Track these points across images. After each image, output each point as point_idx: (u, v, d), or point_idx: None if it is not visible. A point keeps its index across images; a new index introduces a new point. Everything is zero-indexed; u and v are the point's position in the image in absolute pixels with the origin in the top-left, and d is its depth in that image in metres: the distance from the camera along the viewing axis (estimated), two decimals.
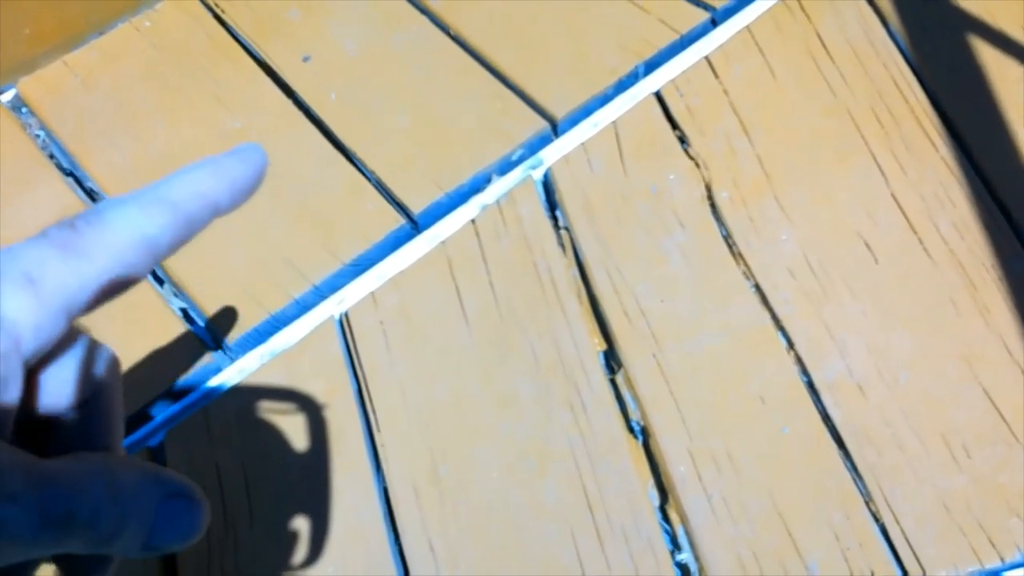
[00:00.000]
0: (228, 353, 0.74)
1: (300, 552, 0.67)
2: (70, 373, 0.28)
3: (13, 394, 0.24)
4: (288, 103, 0.84)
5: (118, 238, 0.26)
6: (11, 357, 0.24)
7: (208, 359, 0.73)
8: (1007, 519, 0.61)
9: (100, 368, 0.29)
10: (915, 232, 0.71)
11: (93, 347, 0.30)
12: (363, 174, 0.80)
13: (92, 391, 0.29)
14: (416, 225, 0.78)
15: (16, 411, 0.25)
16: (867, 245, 0.72)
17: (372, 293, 0.75)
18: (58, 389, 0.28)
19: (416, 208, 0.78)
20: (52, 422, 0.28)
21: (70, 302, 0.25)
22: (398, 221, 0.77)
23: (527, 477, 0.67)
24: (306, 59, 0.86)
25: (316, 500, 0.68)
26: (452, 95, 0.83)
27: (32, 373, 0.27)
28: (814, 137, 0.77)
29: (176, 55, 0.89)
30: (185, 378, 0.73)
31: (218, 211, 0.28)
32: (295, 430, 0.71)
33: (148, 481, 0.26)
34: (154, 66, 0.89)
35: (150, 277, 0.78)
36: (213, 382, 0.73)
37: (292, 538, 0.67)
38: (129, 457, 0.27)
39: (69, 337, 0.28)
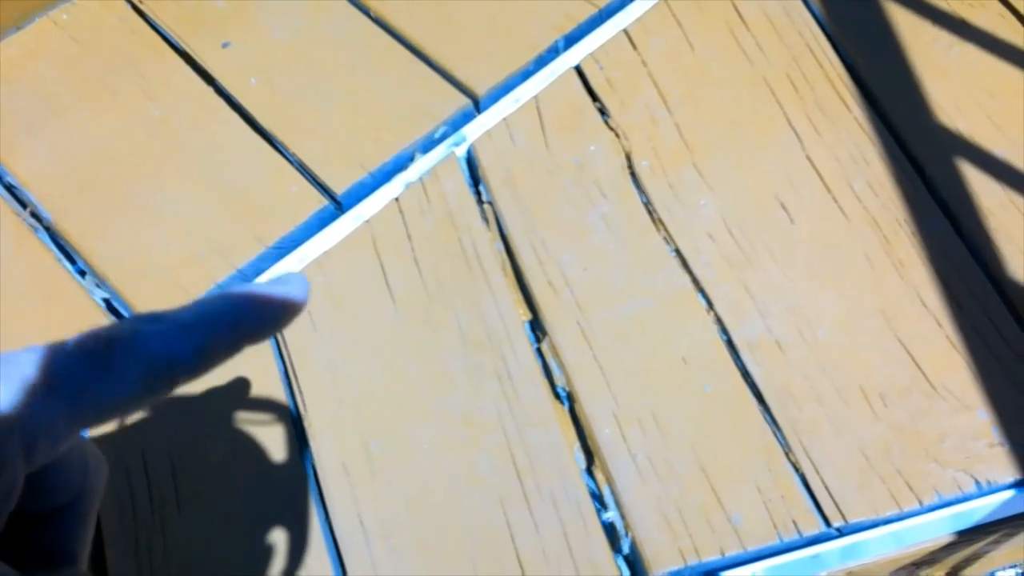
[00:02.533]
0: None
1: (229, 534, 0.66)
2: (63, 477, 0.28)
3: (11, 498, 0.24)
4: (208, 90, 0.84)
5: (147, 362, 0.25)
6: (18, 463, 0.23)
7: None
8: (925, 464, 0.62)
9: (89, 473, 0.29)
10: (830, 192, 0.73)
11: (88, 451, 0.29)
12: (285, 157, 0.80)
13: (76, 494, 0.29)
14: (340, 205, 0.78)
15: (7, 513, 0.25)
16: (784, 207, 0.73)
17: None
18: (48, 491, 0.28)
19: (339, 189, 0.78)
20: (35, 520, 0.28)
21: (87, 415, 0.25)
22: (321, 202, 0.77)
23: (459, 449, 0.67)
24: (225, 45, 0.86)
25: (244, 483, 0.68)
26: (374, 76, 0.83)
27: (42, 471, 0.27)
28: (732, 105, 0.78)
29: (95, 47, 0.88)
30: None
31: (252, 343, 0.28)
32: (221, 415, 0.70)
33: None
34: (74, 59, 0.88)
35: (70, 267, 0.77)
36: None
37: (221, 521, 0.67)
38: None
39: (71, 445, 0.28)
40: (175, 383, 0.26)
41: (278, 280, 0.29)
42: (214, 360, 0.26)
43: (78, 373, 0.24)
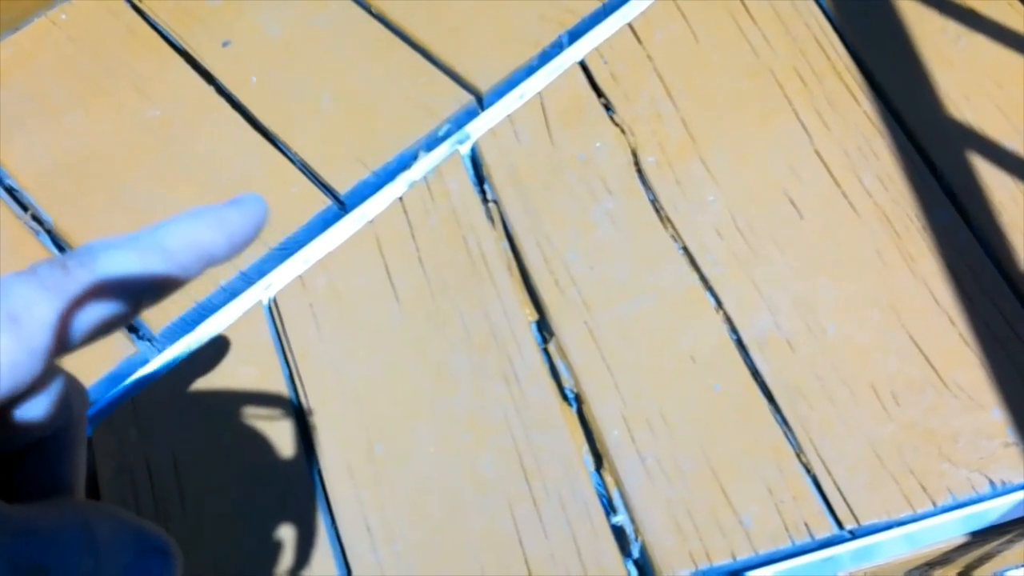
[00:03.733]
0: (155, 343, 0.73)
1: (232, 534, 0.66)
2: (41, 410, 0.27)
3: None
4: (209, 89, 0.83)
5: (109, 283, 0.25)
6: None
7: (134, 350, 0.72)
8: (938, 464, 0.61)
9: (70, 404, 0.29)
10: (839, 186, 0.72)
11: (65, 382, 0.29)
12: (287, 157, 0.79)
13: (60, 427, 0.28)
14: (343, 206, 0.77)
15: None
16: (792, 202, 0.72)
17: (300, 276, 0.74)
18: (28, 425, 0.27)
19: (342, 188, 0.77)
20: (17, 456, 0.27)
21: (52, 343, 0.24)
22: (324, 202, 0.76)
23: (464, 450, 0.67)
24: (226, 44, 0.85)
25: (248, 486, 0.67)
26: (376, 73, 0.82)
27: (3, 409, 0.26)
28: (738, 98, 0.77)
29: (94, 47, 0.87)
30: (112, 370, 0.71)
31: (212, 262, 0.27)
32: (226, 418, 0.70)
33: (124, 535, 0.25)
34: (71, 59, 0.87)
35: None
36: (140, 373, 0.72)
37: (224, 521, 0.66)
38: (106, 506, 0.26)
39: (45, 373, 0.27)
40: (139, 308, 0.26)
41: (237, 201, 0.28)
42: (176, 283, 0.26)
43: (39, 303, 0.23)
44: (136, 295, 0.25)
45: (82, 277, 0.24)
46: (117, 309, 0.25)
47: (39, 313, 0.23)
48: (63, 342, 0.24)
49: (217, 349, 0.72)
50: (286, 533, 0.66)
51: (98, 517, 0.24)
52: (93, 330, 0.25)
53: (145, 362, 0.72)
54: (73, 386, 0.29)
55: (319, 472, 0.67)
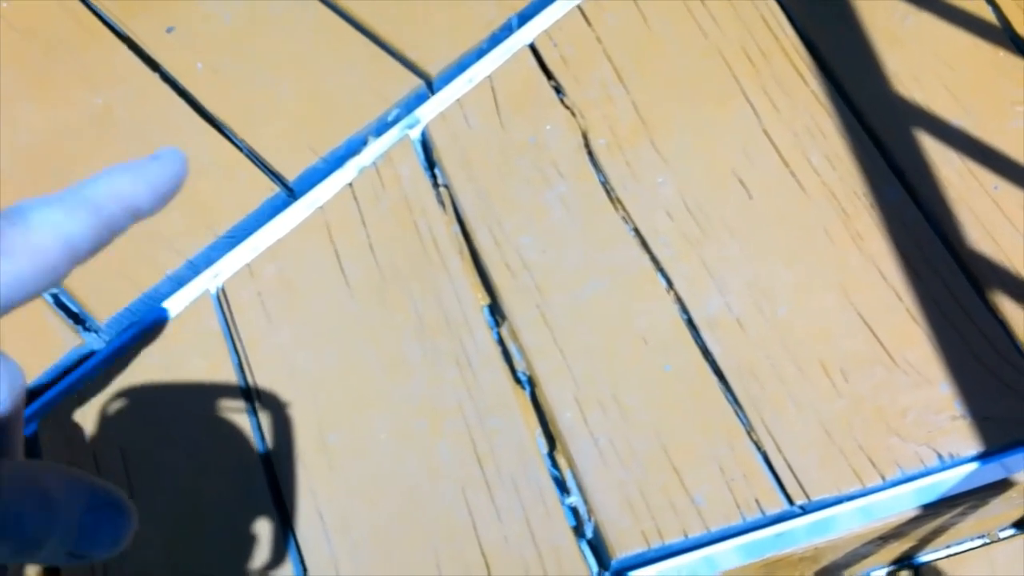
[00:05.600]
0: (100, 335, 0.71)
1: (185, 532, 0.65)
2: None
3: None
4: (153, 76, 0.82)
5: (40, 239, 0.24)
6: None
7: (80, 341, 0.71)
8: (887, 439, 0.62)
9: (3, 380, 0.28)
10: (788, 167, 0.72)
11: None
12: (234, 144, 0.78)
13: None
14: (292, 192, 0.76)
15: None
16: (742, 183, 0.72)
17: (248, 265, 0.73)
18: None
19: (291, 175, 0.76)
20: None
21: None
22: (272, 189, 0.75)
23: (417, 437, 0.66)
24: (170, 30, 0.83)
25: (199, 478, 0.66)
26: (324, 58, 0.81)
27: None
28: (688, 80, 0.77)
29: (37, 36, 0.86)
30: (56, 362, 0.70)
31: (138, 214, 0.27)
32: (175, 410, 0.69)
33: (75, 488, 0.24)
34: (15, 49, 0.86)
35: None
36: (86, 366, 0.70)
37: (176, 519, 0.65)
38: (54, 463, 0.26)
39: None
40: (73, 260, 0.25)
41: (156, 155, 0.29)
42: (106, 236, 0.26)
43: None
44: (68, 250, 0.25)
45: (13, 235, 0.24)
46: (51, 266, 0.25)
47: None
48: None
49: (165, 340, 0.71)
50: (238, 526, 0.65)
51: (48, 473, 0.24)
52: (26, 291, 0.25)
53: (91, 353, 0.71)
54: (4, 361, 0.29)
55: (270, 464, 0.66)
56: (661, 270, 0.69)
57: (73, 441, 0.68)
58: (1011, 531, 0.74)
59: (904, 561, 0.74)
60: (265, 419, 0.68)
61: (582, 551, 0.62)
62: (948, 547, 0.74)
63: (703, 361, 0.65)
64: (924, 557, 0.74)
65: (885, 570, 0.74)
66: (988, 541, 0.74)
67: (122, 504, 0.26)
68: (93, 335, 0.71)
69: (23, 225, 0.24)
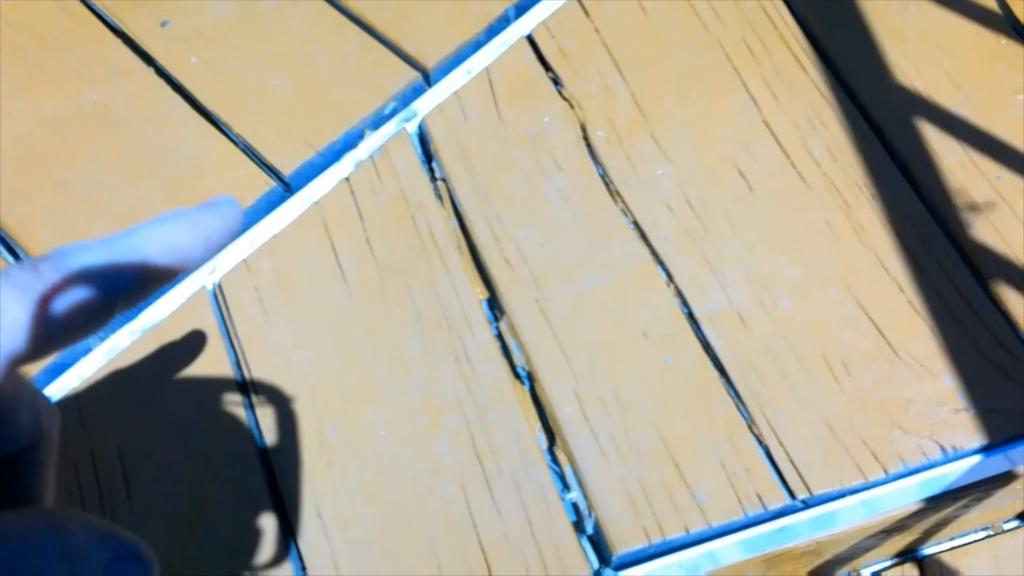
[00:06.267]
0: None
1: (183, 530, 0.64)
2: (8, 424, 0.27)
3: None
4: (148, 71, 0.81)
5: (82, 288, 0.24)
6: None
7: None
8: (889, 432, 0.61)
9: (39, 418, 0.28)
10: (789, 158, 0.71)
11: (36, 396, 0.28)
12: (230, 138, 0.77)
13: (31, 441, 0.28)
14: (288, 187, 0.75)
15: None
16: (742, 175, 0.71)
17: (245, 260, 0.73)
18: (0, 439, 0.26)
19: (287, 169, 0.75)
20: None
21: (23, 348, 0.23)
22: (269, 184, 0.75)
23: (416, 433, 0.66)
24: (164, 24, 0.82)
25: (196, 475, 0.66)
26: (320, 51, 0.81)
27: None
28: (687, 71, 0.76)
29: (32, 31, 0.85)
30: (54, 360, 0.70)
31: (188, 267, 0.26)
32: (171, 407, 0.68)
33: (97, 540, 0.24)
34: (10, 44, 0.85)
35: (10, 259, 0.74)
36: (82, 363, 0.70)
37: (174, 517, 0.65)
38: (77, 512, 0.25)
39: (15, 382, 0.26)
40: (113, 312, 0.25)
41: (213, 204, 0.28)
42: (150, 286, 0.26)
43: (9, 307, 0.23)
44: (108, 293, 0.24)
45: (52, 277, 0.23)
46: (90, 315, 0.24)
47: (10, 317, 0.23)
48: (35, 348, 0.23)
49: (162, 336, 0.71)
50: (236, 523, 0.65)
51: (71, 523, 0.24)
52: (67, 331, 0.24)
53: (87, 352, 0.70)
54: (42, 401, 0.28)
55: (268, 460, 0.66)
56: (661, 263, 0.69)
57: (70, 440, 0.68)
58: (1015, 523, 0.74)
59: (908, 554, 0.74)
60: (263, 415, 0.67)
61: (583, 547, 0.61)
62: (952, 539, 0.74)
63: (704, 355, 0.65)
64: (928, 550, 0.74)
65: (889, 563, 0.74)
66: (992, 533, 0.74)
67: (143, 556, 0.25)
68: None
69: (64, 272, 0.23)
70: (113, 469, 0.66)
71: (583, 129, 0.75)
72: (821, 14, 0.77)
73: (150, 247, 0.25)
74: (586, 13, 0.80)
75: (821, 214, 0.69)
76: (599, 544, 0.61)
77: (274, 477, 0.65)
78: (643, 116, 0.75)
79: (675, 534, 0.60)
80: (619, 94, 0.76)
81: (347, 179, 0.75)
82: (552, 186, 0.73)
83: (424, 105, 0.78)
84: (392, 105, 0.78)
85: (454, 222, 0.73)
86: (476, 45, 0.80)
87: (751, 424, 0.62)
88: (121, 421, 0.68)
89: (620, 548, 0.60)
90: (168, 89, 0.80)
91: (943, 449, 0.60)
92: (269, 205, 0.75)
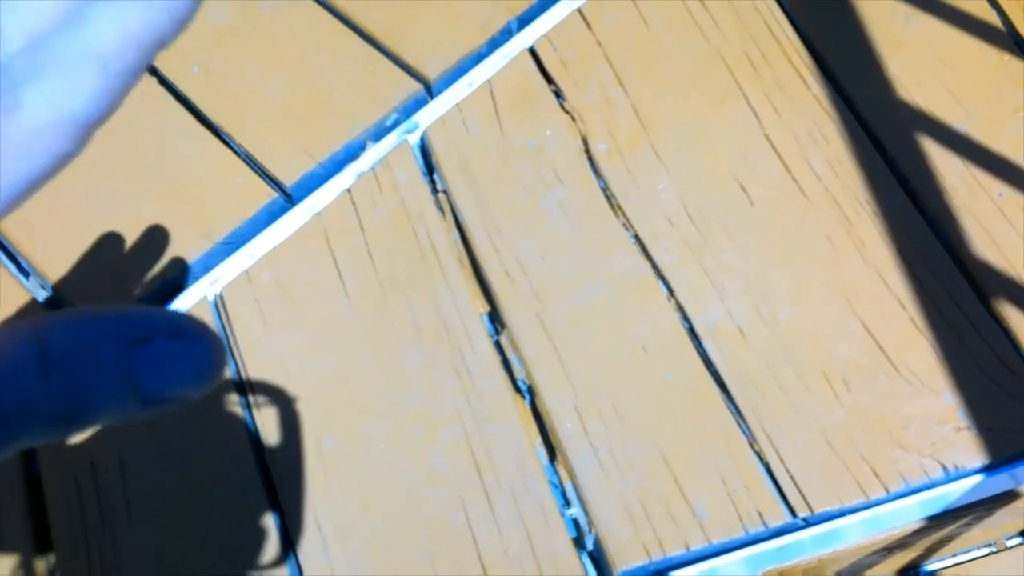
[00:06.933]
0: None
1: (181, 541, 0.64)
2: None
3: None
4: (150, 80, 0.81)
5: (41, 126, 0.20)
6: None
7: None
8: (890, 450, 0.61)
9: None
10: (790, 172, 0.71)
11: None
12: (231, 148, 0.77)
13: None
14: (290, 198, 0.75)
15: None
16: (743, 188, 0.71)
17: (246, 271, 0.72)
18: None
19: (289, 180, 0.75)
20: None
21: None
22: (270, 195, 0.75)
23: (415, 445, 0.66)
24: None
25: (196, 488, 0.66)
26: (322, 62, 0.81)
27: None
28: (688, 84, 0.76)
29: None
30: None
31: (162, 46, 0.21)
32: (171, 419, 0.68)
33: (103, 327, 0.19)
34: None
35: (12, 267, 0.74)
36: None
37: (173, 527, 0.65)
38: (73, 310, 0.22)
39: None
40: (84, 137, 0.20)
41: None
42: (120, 94, 0.21)
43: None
44: (76, 128, 0.20)
45: (7, 127, 0.19)
46: (55, 152, 0.20)
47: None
48: None
49: None
50: (236, 532, 0.64)
51: (51, 326, 0.21)
52: (29, 186, 0.20)
53: None
54: None
55: (267, 471, 0.66)
56: (662, 277, 0.68)
57: (72, 453, 0.68)
58: (1018, 540, 0.74)
59: (910, 570, 0.73)
60: (262, 425, 0.67)
61: (583, 563, 0.61)
62: (954, 556, 0.74)
63: (704, 370, 0.65)
64: (931, 566, 0.73)
65: None
66: (995, 550, 0.74)
67: (188, 331, 0.20)
68: None
69: (17, 113, 0.20)
70: (113, 477, 0.66)
71: (584, 142, 0.75)
72: (822, 27, 0.77)
73: (110, 45, 0.20)
74: (588, 25, 0.80)
75: (822, 229, 0.68)
76: (599, 560, 0.61)
77: (273, 486, 0.65)
78: (644, 129, 0.74)
79: (675, 551, 0.59)
80: (620, 106, 0.76)
81: (348, 190, 0.75)
82: (553, 199, 0.73)
83: (426, 117, 0.78)
84: (394, 116, 0.78)
85: (455, 234, 0.73)
86: (478, 57, 0.80)
87: (751, 440, 0.62)
88: (120, 431, 0.68)
89: (620, 564, 0.60)
90: (169, 98, 0.80)
91: (944, 468, 0.60)
92: (270, 216, 0.74)
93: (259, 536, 0.64)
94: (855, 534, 0.60)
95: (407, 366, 0.68)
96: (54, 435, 0.19)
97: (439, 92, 0.79)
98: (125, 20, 0.20)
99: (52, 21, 0.20)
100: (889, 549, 0.65)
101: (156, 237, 0.73)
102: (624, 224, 0.71)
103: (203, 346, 0.20)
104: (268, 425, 0.67)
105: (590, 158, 0.74)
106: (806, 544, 0.60)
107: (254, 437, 0.67)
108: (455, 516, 0.63)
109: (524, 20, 0.81)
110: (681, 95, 0.76)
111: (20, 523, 0.66)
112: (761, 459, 0.61)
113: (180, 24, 0.21)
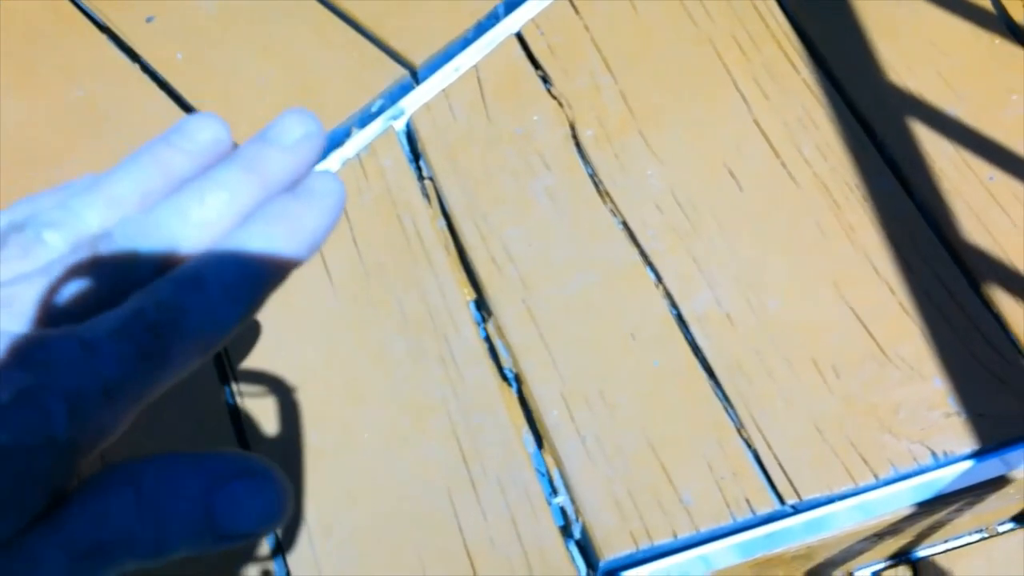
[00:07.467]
0: None
1: None
2: None
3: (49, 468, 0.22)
4: (134, 67, 0.80)
5: (196, 344, 0.23)
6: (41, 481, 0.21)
7: None
8: (879, 436, 0.61)
9: None
10: (779, 157, 0.70)
11: None
12: None
13: None
14: None
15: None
16: (732, 174, 0.70)
17: None
18: None
19: None
20: None
21: (135, 409, 0.24)
22: None
23: (401, 435, 0.65)
24: (149, 20, 0.82)
25: None
26: (306, 48, 0.80)
27: None
28: (677, 70, 0.76)
29: (15, 27, 0.84)
30: None
31: (295, 267, 0.25)
32: (152, 411, 0.67)
33: (186, 471, 0.23)
34: None
35: None
36: None
37: None
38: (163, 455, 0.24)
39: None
40: (217, 350, 0.24)
41: (308, 189, 0.25)
42: (259, 308, 0.25)
43: (131, 375, 0.22)
44: (221, 341, 0.24)
45: (172, 342, 0.23)
46: (198, 362, 0.24)
47: (131, 386, 0.23)
48: (144, 404, 0.25)
49: None
50: None
51: (149, 469, 0.24)
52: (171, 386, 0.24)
53: None
54: None
55: None
56: (650, 264, 0.68)
57: None
58: (1010, 525, 0.73)
59: (901, 556, 0.73)
60: (246, 416, 0.67)
61: (570, 552, 0.60)
62: (946, 542, 0.73)
63: (692, 357, 0.64)
64: (922, 552, 0.73)
65: (882, 565, 0.73)
66: (986, 536, 0.73)
67: (257, 472, 0.23)
68: None
69: (181, 332, 0.23)
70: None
71: (572, 128, 0.74)
72: (812, 12, 0.76)
73: (261, 271, 0.24)
74: (576, 10, 0.79)
75: (811, 214, 0.68)
76: (586, 549, 0.61)
77: None
78: (632, 115, 0.74)
79: (663, 539, 0.59)
80: (608, 92, 0.75)
81: None
82: (540, 185, 0.72)
83: (412, 103, 0.77)
84: (379, 102, 0.77)
85: (441, 221, 0.72)
86: (465, 42, 0.79)
87: (739, 427, 0.61)
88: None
89: (607, 553, 0.59)
90: (153, 86, 0.79)
91: (934, 454, 0.60)
92: None
93: None
94: (844, 521, 0.60)
95: (392, 354, 0.68)
96: (142, 564, 0.22)
97: (425, 78, 0.78)
98: (274, 243, 0.24)
99: None
100: (879, 535, 0.65)
101: None
102: (612, 211, 0.70)
103: (271, 488, 0.23)
104: (252, 415, 0.67)
105: (578, 144, 0.73)
106: (795, 531, 0.60)
107: (237, 429, 0.66)
108: (441, 505, 0.62)
109: (511, 5, 0.80)
110: (670, 81, 0.75)
111: None
112: (749, 446, 0.61)
113: (311, 249, 0.25)
